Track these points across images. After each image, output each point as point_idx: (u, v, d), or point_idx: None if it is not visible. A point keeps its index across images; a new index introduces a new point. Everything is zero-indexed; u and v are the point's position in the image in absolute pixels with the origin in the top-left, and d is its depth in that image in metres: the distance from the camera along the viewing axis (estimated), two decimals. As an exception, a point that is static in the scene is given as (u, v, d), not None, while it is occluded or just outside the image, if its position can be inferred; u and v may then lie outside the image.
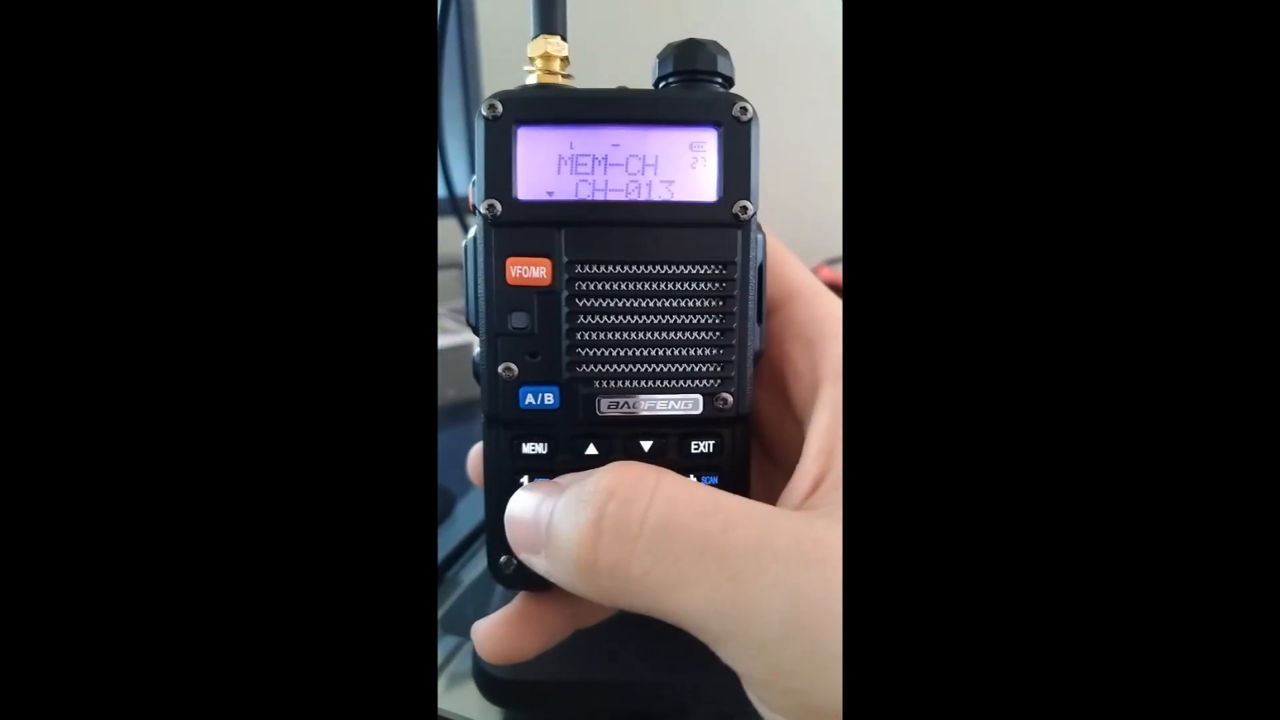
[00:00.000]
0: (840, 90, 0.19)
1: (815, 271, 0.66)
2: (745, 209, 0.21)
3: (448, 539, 0.44)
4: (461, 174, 0.56)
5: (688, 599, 0.17)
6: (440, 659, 0.41)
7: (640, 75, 0.24)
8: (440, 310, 0.72)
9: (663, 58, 0.22)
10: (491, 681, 0.37)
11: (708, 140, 0.21)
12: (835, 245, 0.66)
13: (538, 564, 0.20)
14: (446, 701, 0.40)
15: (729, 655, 0.17)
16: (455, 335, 0.62)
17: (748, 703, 0.23)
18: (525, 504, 0.20)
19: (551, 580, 0.20)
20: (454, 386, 0.60)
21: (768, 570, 0.17)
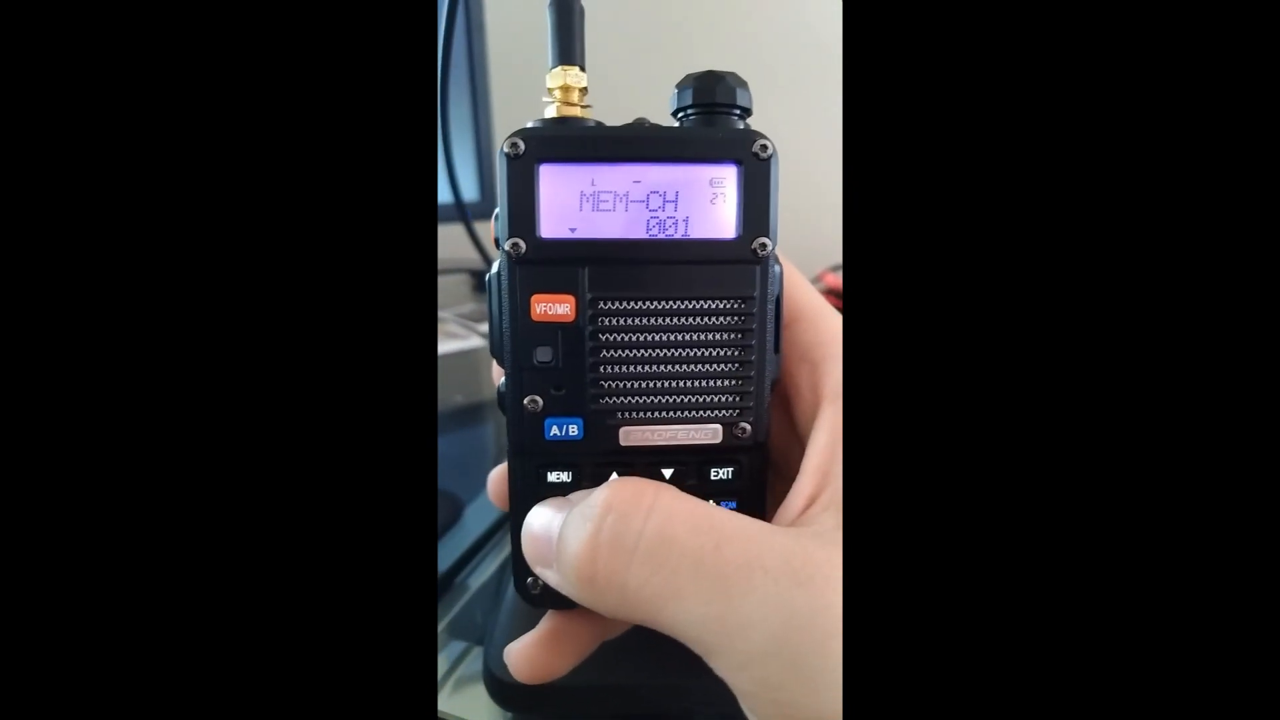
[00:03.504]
0: (840, 94, 0.19)
1: (820, 277, 0.66)
2: (764, 246, 0.21)
3: (456, 545, 0.45)
4: (469, 180, 0.57)
5: (681, 612, 0.18)
6: (449, 664, 0.42)
7: (654, 97, 0.24)
8: (448, 315, 0.72)
9: (682, 89, 0.22)
10: (499, 685, 0.37)
11: (727, 177, 0.21)
12: (840, 251, 0.67)
13: (550, 577, 0.20)
14: (455, 706, 0.40)
15: (719, 667, 0.18)
16: (462, 340, 0.63)
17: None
18: (539, 519, 0.21)
19: (563, 593, 0.20)
20: (461, 392, 0.60)
21: (757, 587, 0.17)
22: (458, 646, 0.40)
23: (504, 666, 0.38)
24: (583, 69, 0.23)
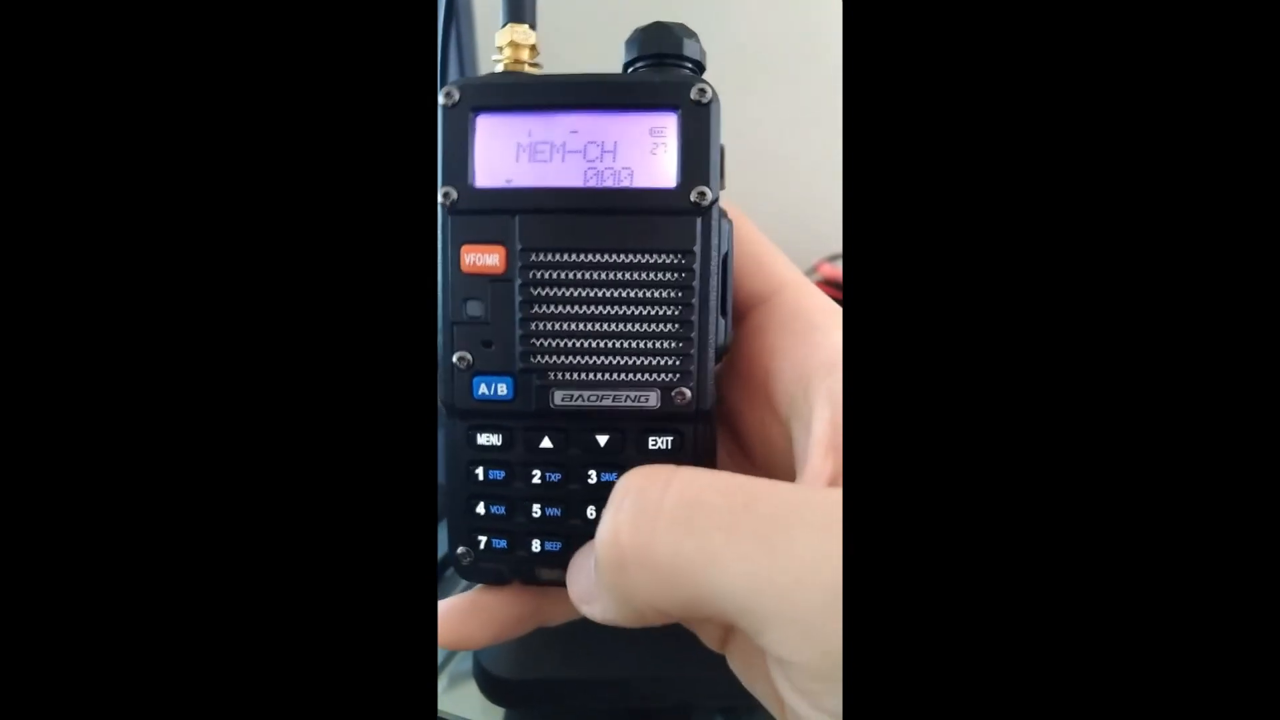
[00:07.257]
0: (836, 83, 0.18)
1: (816, 268, 0.66)
2: (704, 195, 0.20)
3: (444, 538, 0.44)
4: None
5: (724, 576, 0.16)
6: (440, 660, 0.41)
7: (614, 65, 0.24)
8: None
9: (629, 42, 0.22)
10: (492, 681, 0.37)
11: (667, 125, 0.20)
12: (837, 242, 0.66)
13: (595, 610, 0.19)
14: (448, 703, 0.40)
15: (776, 641, 0.16)
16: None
17: (750, 698, 0.22)
18: (572, 567, 0.21)
19: (605, 620, 0.19)
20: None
21: (799, 539, 0.16)
22: (449, 642, 0.40)
23: (495, 661, 0.38)
24: (533, 27, 0.22)
